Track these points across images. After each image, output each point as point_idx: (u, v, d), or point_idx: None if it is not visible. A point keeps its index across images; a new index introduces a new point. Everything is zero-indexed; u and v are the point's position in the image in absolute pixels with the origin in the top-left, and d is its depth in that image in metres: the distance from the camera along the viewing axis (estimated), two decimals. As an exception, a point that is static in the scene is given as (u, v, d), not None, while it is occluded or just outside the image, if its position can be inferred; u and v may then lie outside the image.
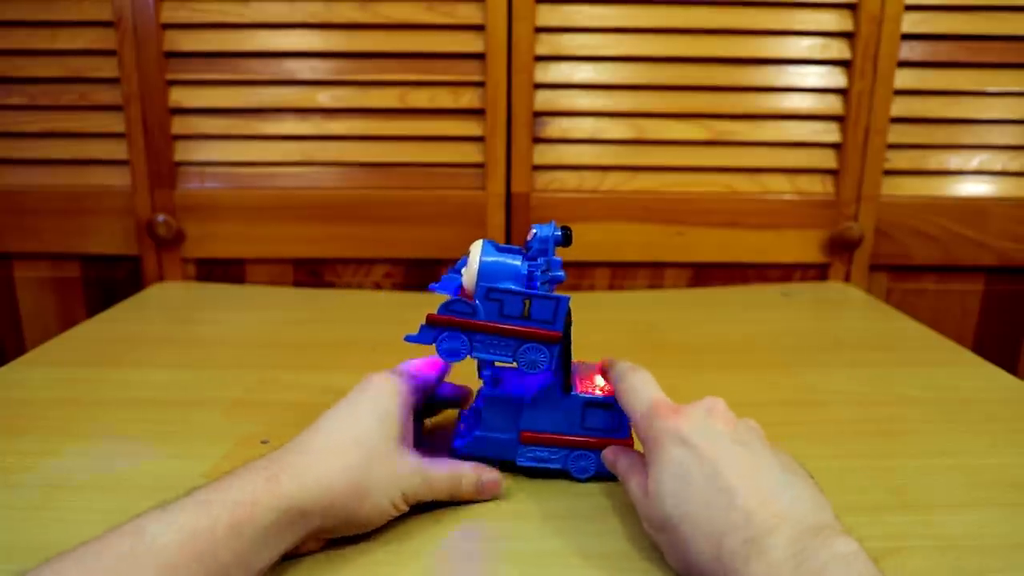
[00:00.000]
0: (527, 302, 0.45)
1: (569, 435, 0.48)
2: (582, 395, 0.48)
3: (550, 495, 0.47)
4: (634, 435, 0.46)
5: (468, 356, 0.47)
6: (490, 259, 0.46)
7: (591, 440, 0.48)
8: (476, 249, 0.46)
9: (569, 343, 0.48)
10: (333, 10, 0.89)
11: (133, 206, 0.94)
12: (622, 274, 0.97)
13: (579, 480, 0.49)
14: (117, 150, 0.93)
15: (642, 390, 0.44)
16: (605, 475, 0.48)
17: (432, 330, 0.47)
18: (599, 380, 0.50)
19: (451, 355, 0.46)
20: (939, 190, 0.95)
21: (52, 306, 0.98)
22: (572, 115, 0.93)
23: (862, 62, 0.90)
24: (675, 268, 0.97)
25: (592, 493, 0.48)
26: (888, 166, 0.94)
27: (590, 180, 0.94)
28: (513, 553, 0.42)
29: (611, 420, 0.48)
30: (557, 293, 0.45)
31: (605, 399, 0.48)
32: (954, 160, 0.94)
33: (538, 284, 0.46)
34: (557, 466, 0.49)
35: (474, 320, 0.45)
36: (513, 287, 0.45)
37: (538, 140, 0.93)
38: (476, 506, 0.46)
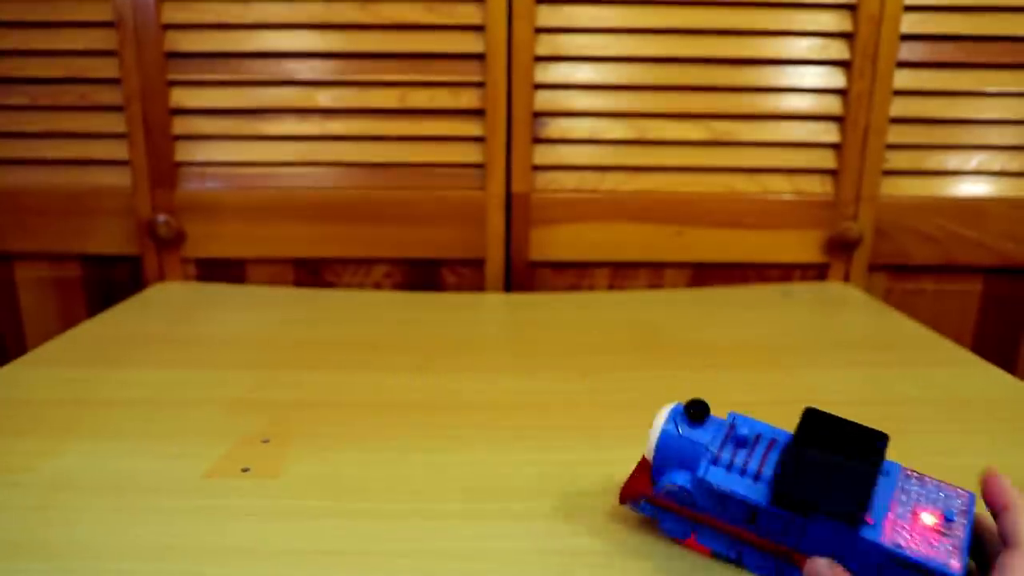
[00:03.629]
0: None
1: None
2: (887, 546, 0.34)
3: None
4: None
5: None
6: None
7: None
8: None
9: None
10: (333, 11, 0.89)
11: (134, 206, 0.94)
12: (622, 274, 0.97)
13: None
14: (118, 150, 0.93)
15: None
16: None
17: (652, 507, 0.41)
18: (928, 519, 0.35)
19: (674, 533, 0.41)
20: (938, 190, 0.95)
21: (53, 306, 0.98)
22: (572, 115, 0.93)
23: (861, 62, 0.90)
24: (675, 268, 0.97)
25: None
26: (887, 166, 0.94)
27: (590, 180, 0.94)
28: None
29: None
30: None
31: (918, 561, 0.33)
32: (953, 160, 0.94)
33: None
34: None
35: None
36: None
37: (538, 140, 0.93)
38: None
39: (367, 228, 0.94)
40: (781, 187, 0.95)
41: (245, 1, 0.89)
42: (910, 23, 0.89)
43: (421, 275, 0.97)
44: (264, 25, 0.90)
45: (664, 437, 0.40)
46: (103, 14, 0.88)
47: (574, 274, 0.97)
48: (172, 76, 0.90)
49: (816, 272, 0.98)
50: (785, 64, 0.91)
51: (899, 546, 0.34)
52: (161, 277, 0.96)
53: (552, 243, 0.95)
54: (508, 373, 0.66)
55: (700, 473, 0.38)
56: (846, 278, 0.97)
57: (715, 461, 0.39)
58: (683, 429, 0.40)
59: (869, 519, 0.35)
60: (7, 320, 0.98)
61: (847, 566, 0.35)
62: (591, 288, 0.98)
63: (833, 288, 0.96)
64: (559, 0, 0.89)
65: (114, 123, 0.92)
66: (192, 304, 0.90)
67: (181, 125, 0.92)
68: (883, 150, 0.93)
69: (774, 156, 0.94)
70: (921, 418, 0.59)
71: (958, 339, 0.80)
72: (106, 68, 0.90)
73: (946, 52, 0.91)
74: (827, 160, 0.94)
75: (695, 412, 0.41)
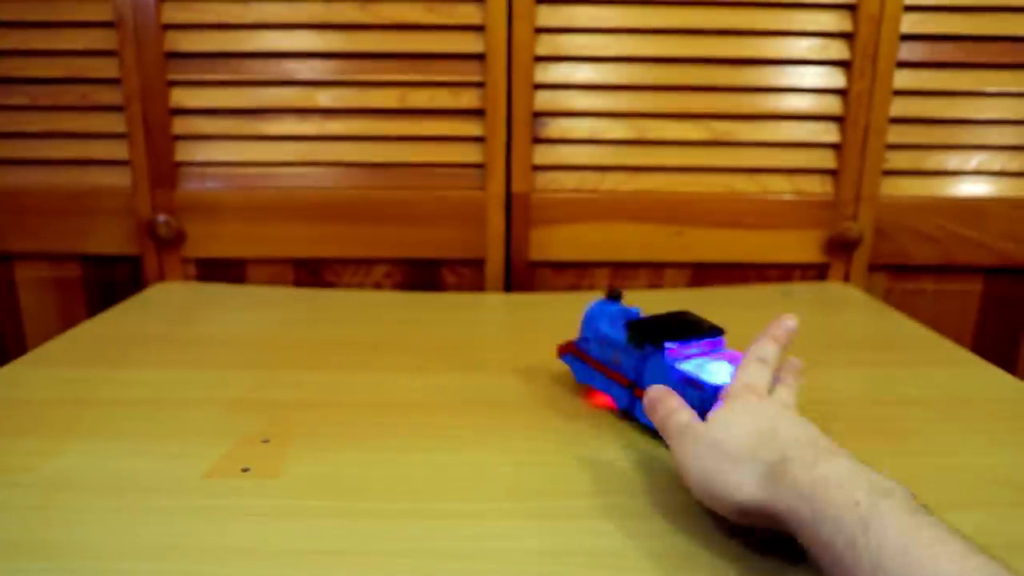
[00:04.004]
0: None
1: None
2: (681, 371, 0.51)
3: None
4: None
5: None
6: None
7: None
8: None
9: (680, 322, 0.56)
10: (333, 11, 0.89)
11: (134, 206, 0.94)
12: (622, 274, 0.97)
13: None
14: (118, 150, 0.93)
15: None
16: None
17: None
18: (725, 367, 0.51)
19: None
20: (938, 190, 0.95)
21: (53, 306, 0.98)
22: (572, 115, 0.93)
23: (861, 62, 0.90)
24: (675, 268, 0.97)
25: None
26: (887, 166, 0.94)
27: (590, 180, 0.94)
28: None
29: (697, 400, 0.49)
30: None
31: (697, 379, 0.50)
32: (953, 160, 0.94)
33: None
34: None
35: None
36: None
37: (538, 140, 0.93)
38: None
39: (367, 228, 0.94)
40: (781, 187, 0.95)
41: (245, 1, 0.89)
42: (910, 23, 0.89)
43: (421, 275, 0.97)
44: (264, 25, 0.90)
45: (589, 310, 0.60)
46: (103, 14, 0.88)
47: (574, 274, 0.97)
48: (172, 76, 0.90)
49: (816, 272, 0.98)
50: (785, 64, 0.91)
51: (686, 371, 0.51)
52: (161, 277, 0.96)
53: (552, 243, 0.95)
54: (508, 372, 0.66)
55: (596, 325, 0.58)
56: (846, 278, 0.97)
57: (611, 323, 0.58)
58: (603, 306, 0.60)
59: (674, 352, 0.52)
60: (7, 320, 0.98)
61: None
62: (591, 288, 0.98)
63: (833, 288, 0.96)
64: (559, 0, 0.89)
65: (114, 123, 0.92)
66: (192, 304, 0.90)
67: (181, 125, 0.92)
68: (883, 150, 0.93)
69: (774, 156, 0.94)
70: (921, 418, 0.59)
71: (958, 339, 0.80)
72: (106, 68, 0.90)
73: (946, 52, 0.91)
74: (827, 160, 0.94)
75: (612, 295, 0.61)
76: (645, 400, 0.49)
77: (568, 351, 0.62)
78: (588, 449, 0.53)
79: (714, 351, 0.54)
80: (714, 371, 0.51)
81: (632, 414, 0.56)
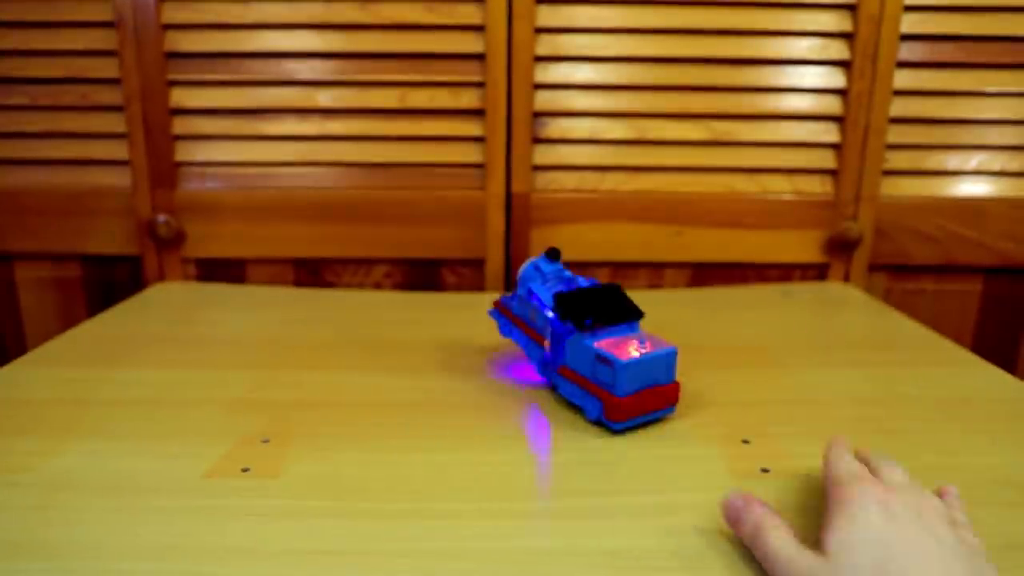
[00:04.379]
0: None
1: (586, 378, 0.56)
2: (596, 349, 0.54)
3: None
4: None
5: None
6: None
7: (598, 388, 0.55)
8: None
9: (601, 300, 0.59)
10: (333, 11, 0.89)
11: (134, 206, 0.94)
12: (622, 274, 0.97)
13: (588, 420, 0.56)
14: (118, 150, 0.93)
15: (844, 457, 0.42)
16: (606, 424, 0.55)
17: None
18: (635, 345, 0.55)
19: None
20: (938, 190, 0.95)
21: (53, 306, 0.98)
22: (572, 115, 0.93)
23: (861, 62, 0.90)
24: (675, 268, 0.97)
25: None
26: (887, 166, 0.94)
27: (590, 180, 0.94)
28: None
29: (609, 376, 0.53)
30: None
31: (608, 355, 0.53)
32: (953, 160, 0.94)
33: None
34: (577, 402, 0.57)
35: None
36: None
37: (538, 140, 0.93)
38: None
39: (367, 228, 0.94)
40: (781, 187, 0.95)
41: (245, 1, 0.89)
42: (910, 23, 0.89)
43: (421, 275, 0.97)
44: (264, 25, 0.89)
45: (524, 270, 0.64)
46: (103, 14, 0.88)
47: (574, 274, 0.97)
48: (172, 76, 0.90)
49: (816, 272, 0.98)
50: (785, 64, 0.91)
51: (600, 349, 0.54)
52: (161, 277, 0.96)
53: (552, 243, 0.95)
54: (508, 372, 0.66)
55: (529, 285, 0.62)
56: (846, 278, 0.97)
57: (543, 283, 0.61)
58: (539, 264, 0.64)
59: (591, 334, 0.56)
60: (7, 320, 0.98)
61: (580, 368, 0.56)
62: (591, 288, 0.97)
63: (833, 288, 0.96)
64: (559, 0, 0.89)
65: (114, 123, 0.92)
66: (192, 304, 0.90)
67: (181, 125, 0.92)
68: (883, 150, 0.93)
69: (774, 156, 0.94)
70: (921, 418, 0.59)
71: (958, 339, 0.80)
72: (106, 68, 0.90)
73: (946, 52, 0.91)
74: (827, 160, 0.94)
75: (551, 253, 0.63)
76: (725, 508, 0.42)
77: (495, 307, 0.67)
78: (590, 449, 0.53)
79: (630, 331, 0.58)
80: (626, 349, 0.54)
81: (544, 374, 0.62)
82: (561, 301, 0.58)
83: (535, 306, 0.61)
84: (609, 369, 0.53)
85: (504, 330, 0.66)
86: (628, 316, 0.58)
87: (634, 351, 0.54)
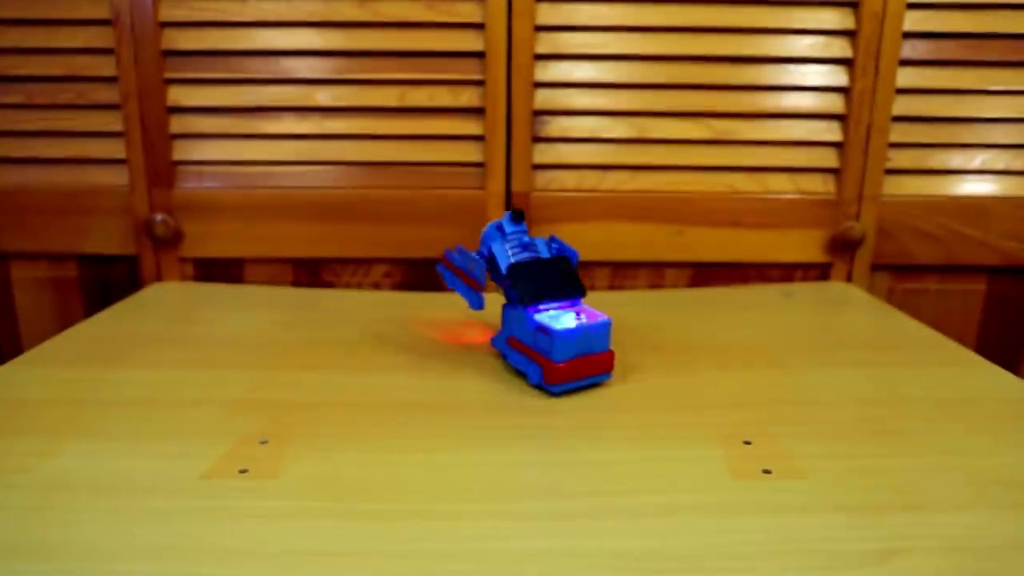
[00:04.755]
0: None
1: (529, 347, 0.62)
2: (537, 320, 0.61)
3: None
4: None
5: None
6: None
7: (538, 356, 0.61)
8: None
9: (542, 279, 0.64)
10: (332, 8, 0.88)
11: (131, 205, 0.93)
12: (622, 274, 0.97)
13: (530, 385, 0.63)
14: (115, 149, 0.92)
15: None
16: (545, 388, 0.61)
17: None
18: (571, 316, 0.61)
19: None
20: (941, 189, 0.94)
21: (49, 306, 0.97)
22: (572, 114, 0.92)
23: (864, 60, 0.90)
24: (675, 268, 0.97)
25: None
26: (890, 165, 0.93)
27: (590, 179, 0.94)
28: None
29: (547, 344, 0.60)
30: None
31: (546, 326, 0.60)
32: (956, 159, 0.94)
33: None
34: (522, 369, 0.64)
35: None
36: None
37: (538, 139, 0.93)
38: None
39: (366, 228, 0.94)
40: (783, 186, 0.94)
41: (243, -1, 0.88)
42: (913, 20, 0.89)
43: (421, 275, 0.97)
44: (262, 23, 0.89)
45: (487, 230, 0.67)
46: (99, 11, 0.88)
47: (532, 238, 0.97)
48: (169, 74, 0.90)
49: (818, 272, 0.97)
50: (787, 62, 0.91)
51: (540, 320, 0.60)
52: (158, 277, 0.96)
53: (552, 242, 0.95)
54: (508, 373, 0.66)
55: (489, 244, 0.65)
56: (848, 278, 0.97)
57: (503, 243, 0.65)
58: (502, 224, 0.66)
59: (534, 306, 0.62)
60: (2, 320, 0.98)
61: (524, 337, 0.62)
62: (591, 288, 0.97)
63: (835, 288, 0.95)
64: (559, -2, 0.89)
65: (111, 122, 0.91)
66: (190, 304, 0.90)
67: (179, 124, 0.92)
68: (886, 149, 0.92)
69: (776, 155, 0.94)
70: (924, 418, 0.58)
71: (961, 339, 0.80)
72: (103, 66, 0.89)
73: (950, 50, 0.90)
74: (829, 159, 0.93)
75: (516, 215, 0.66)
76: None
77: (442, 261, 0.71)
78: (591, 449, 0.53)
79: (572, 305, 0.64)
80: (563, 320, 0.61)
81: (475, 308, 0.68)
82: (514, 274, 0.63)
83: (473, 257, 0.66)
84: (547, 338, 0.59)
85: (449, 281, 0.70)
86: (570, 293, 0.64)
87: (571, 322, 0.60)
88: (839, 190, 0.94)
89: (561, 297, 0.63)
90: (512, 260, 0.64)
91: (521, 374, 0.65)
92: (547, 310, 0.62)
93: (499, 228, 0.67)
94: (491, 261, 0.65)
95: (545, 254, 0.66)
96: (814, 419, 0.58)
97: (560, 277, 0.64)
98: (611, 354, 0.62)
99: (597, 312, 0.62)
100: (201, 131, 0.92)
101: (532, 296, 0.62)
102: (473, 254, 0.66)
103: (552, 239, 0.67)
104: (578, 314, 0.62)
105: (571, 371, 0.60)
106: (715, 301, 0.91)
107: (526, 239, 0.66)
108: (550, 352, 0.59)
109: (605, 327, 0.61)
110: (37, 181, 0.93)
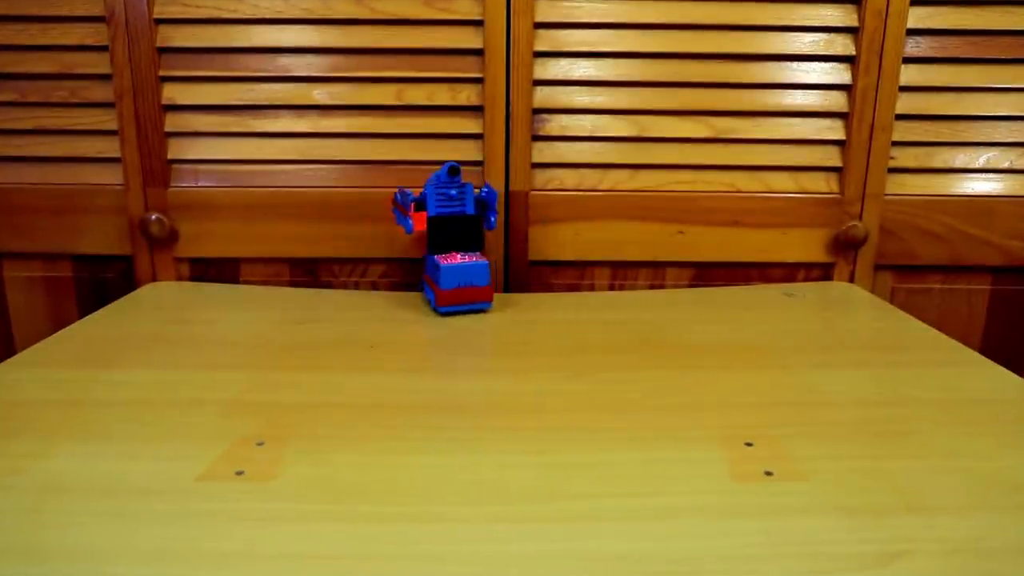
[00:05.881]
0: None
1: (432, 279, 0.82)
2: (434, 259, 0.81)
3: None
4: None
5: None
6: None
7: (434, 285, 0.81)
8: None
9: (456, 232, 0.83)
10: (329, 5, 0.88)
11: (126, 204, 0.93)
12: (623, 274, 0.96)
13: (432, 309, 0.83)
14: (109, 147, 0.92)
15: None
16: (436, 310, 0.81)
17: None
18: (458, 257, 0.81)
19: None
20: (945, 188, 0.94)
21: (43, 306, 0.97)
22: (572, 112, 0.92)
23: (867, 58, 0.89)
24: (676, 267, 0.96)
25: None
26: (893, 164, 0.93)
27: (590, 178, 0.93)
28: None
29: (437, 275, 0.80)
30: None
31: (437, 262, 0.80)
32: (960, 158, 0.93)
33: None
34: (428, 297, 0.85)
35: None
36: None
37: (537, 137, 0.92)
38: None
39: (364, 227, 0.93)
40: (785, 185, 0.94)
41: (240, -5, 0.88)
42: (917, 17, 0.88)
43: (418, 275, 0.96)
44: (258, 20, 0.89)
45: (429, 181, 0.81)
46: (94, 8, 0.87)
47: (574, 274, 0.96)
48: (164, 72, 0.89)
49: (821, 271, 0.97)
50: (789, 60, 0.91)
51: (436, 259, 0.81)
52: (153, 277, 0.95)
53: (552, 242, 0.94)
54: (507, 373, 0.66)
55: (426, 191, 0.82)
56: (851, 278, 0.96)
57: (436, 188, 0.82)
58: (441, 175, 0.81)
59: (443, 257, 0.81)
60: (-3, 320, 0.97)
61: (431, 274, 0.83)
62: (591, 288, 0.97)
63: (838, 288, 0.95)
64: (559, -5, 0.88)
65: (106, 120, 0.91)
66: (185, 304, 0.89)
67: (174, 122, 0.91)
68: (889, 147, 0.92)
69: (778, 153, 0.93)
70: (927, 419, 0.58)
71: (965, 340, 0.80)
72: (97, 63, 0.89)
73: (953, 47, 0.90)
74: (832, 157, 0.93)
75: (452, 170, 0.81)
76: None
77: (392, 203, 0.88)
78: (590, 450, 0.52)
79: (470, 252, 0.83)
80: (450, 260, 0.80)
81: (408, 232, 0.83)
82: (433, 227, 0.82)
83: (408, 193, 0.82)
84: (437, 271, 0.79)
85: (398, 219, 0.84)
86: (472, 247, 0.83)
87: (457, 260, 0.79)
88: (842, 189, 0.93)
89: (463, 250, 0.83)
90: (434, 213, 0.81)
91: (433, 310, 0.83)
92: (447, 254, 0.82)
93: (438, 177, 0.81)
94: (422, 203, 0.82)
95: (470, 208, 0.83)
96: (816, 420, 0.58)
97: (467, 234, 0.83)
98: (489, 288, 0.81)
99: (482, 257, 0.81)
100: (196, 129, 0.91)
101: (437, 247, 0.82)
102: (411, 194, 0.82)
103: (485, 188, 0.83)
104: (466, 257, 0.81)
105: (454, 297, 0.80)
106: (716, 301, 0.90)
107: (454, 192, 0.82)
108: (438, 281, 0.79)
109: (484, 266, 0.80)
110: (31, 180, 0.92)
